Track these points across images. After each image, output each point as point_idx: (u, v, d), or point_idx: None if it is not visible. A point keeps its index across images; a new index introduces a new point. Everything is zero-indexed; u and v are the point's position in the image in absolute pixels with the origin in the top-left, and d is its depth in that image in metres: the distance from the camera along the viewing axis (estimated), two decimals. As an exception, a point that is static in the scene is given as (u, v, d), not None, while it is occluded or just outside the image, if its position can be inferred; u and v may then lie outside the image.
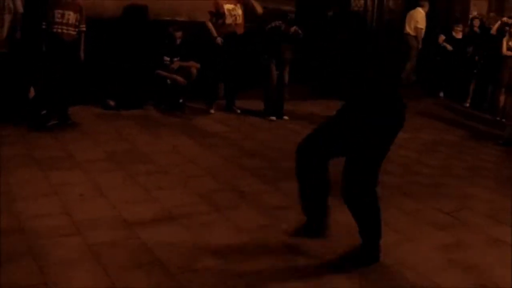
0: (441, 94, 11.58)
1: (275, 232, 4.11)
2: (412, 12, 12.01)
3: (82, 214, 4.19)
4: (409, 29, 11.85)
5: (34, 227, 3.91)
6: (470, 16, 12.29)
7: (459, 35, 11.39)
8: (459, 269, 3.84)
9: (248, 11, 8.18)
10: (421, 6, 11.93)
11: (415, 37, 11.66)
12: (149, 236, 3.90)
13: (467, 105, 10.95)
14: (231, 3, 8.06)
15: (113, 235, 3.90)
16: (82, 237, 3.81)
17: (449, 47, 11.27)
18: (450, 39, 11.36)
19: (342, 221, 3.95)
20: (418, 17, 11.77)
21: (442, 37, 11.44)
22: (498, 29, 10.55)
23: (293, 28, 7.93)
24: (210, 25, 8.02)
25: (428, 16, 11.96)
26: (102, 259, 3.53)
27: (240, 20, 8.14)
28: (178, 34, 8.07)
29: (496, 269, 3.88)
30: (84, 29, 6.79)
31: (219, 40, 7.96)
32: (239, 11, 8.11)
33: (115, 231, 3.97)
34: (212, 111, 8.08)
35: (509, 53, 9.80)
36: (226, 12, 7.99)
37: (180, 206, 4.49)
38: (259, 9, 8.12)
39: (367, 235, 3.69)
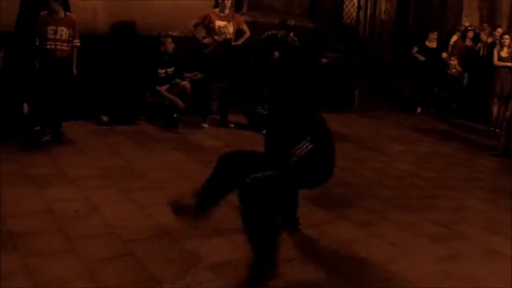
0: (418, 110, 11.43)
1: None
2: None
3: (76, 231, 4.16)
4: None
5: (28, 244, 3.87)
6: (463, 27, 12.34)
7: (433, 44, 11.30)
8: (456, 281, 3.82)
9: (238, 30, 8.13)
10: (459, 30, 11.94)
11: None
12: (144, 252, 3.88)
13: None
14: (223, 20, 7.90)
15: (108, 251, 3.87)
16: (76, 254, 3.78)
17: (421, 58, 11.18)
18: (424, 49, 11.26)
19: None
20: None
21: (415, 48, 11.39)
22: (488, 45, 10.61)
23: (291, 34, 7.87)
24: (192, 29, 7.98)
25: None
26: (97, 276, 3.50)
27: (230, 38, 7.99)
28: (168, 40, 8.05)
29: (492, 280, 3.87)
30: (78, 44, 6.78)
31: (206, 40, 7.89)
32: (230, 29, 7.95)
33: (109, 247, 3.94)
34: (205, 125, 8.03)
35: (500, 63, 9.87)
36: (217, 29, 7.88)
37: (175, 221, 4.45)
38: (248, 32, 8.10)
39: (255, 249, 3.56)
